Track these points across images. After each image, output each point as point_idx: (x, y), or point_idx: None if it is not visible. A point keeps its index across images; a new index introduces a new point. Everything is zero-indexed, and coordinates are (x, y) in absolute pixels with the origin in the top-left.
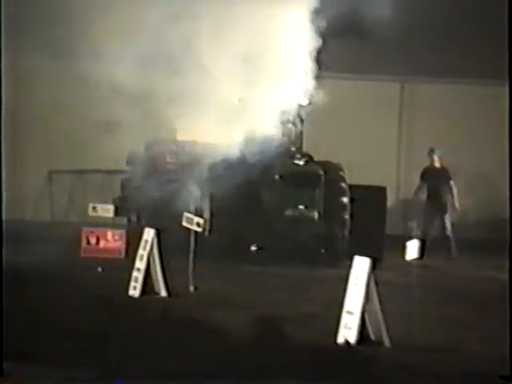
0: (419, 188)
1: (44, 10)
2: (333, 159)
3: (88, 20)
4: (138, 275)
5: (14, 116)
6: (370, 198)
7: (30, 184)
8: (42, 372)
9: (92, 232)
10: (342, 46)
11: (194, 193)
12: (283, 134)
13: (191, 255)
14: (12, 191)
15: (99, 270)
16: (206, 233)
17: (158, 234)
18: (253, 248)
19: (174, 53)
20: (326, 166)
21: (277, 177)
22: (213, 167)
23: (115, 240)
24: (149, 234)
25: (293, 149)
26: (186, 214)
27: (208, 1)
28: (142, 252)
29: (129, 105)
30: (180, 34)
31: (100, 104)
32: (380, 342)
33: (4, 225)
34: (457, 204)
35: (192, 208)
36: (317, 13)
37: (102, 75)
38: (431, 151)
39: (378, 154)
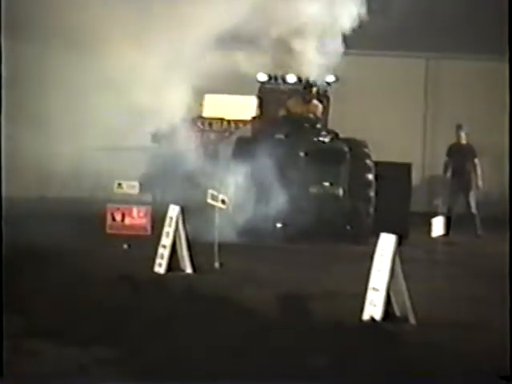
0: (446, 165)
1: None
2: (358, 136)
3: None
4: (163, 252)
5: (41, 95)
6: (395, 174)
7: (55, 161)
8: (67, 351)
9: (117, 209)
10: (368, 23)
11: (219, 170)
12: (309, 111)
13: (216, 232)
14: (38, 168)
15: (125, 246)
16: (231, 210)
17: (183, 211)
18: (278, 225)
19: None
20: (351, 142)
21: (302, 154)
22: (238, 144)
23: (140, 217)
24: (174, 210)
25: (318, 126)
26: (211, 191)
27: None
28: (168, 229)
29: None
30: None
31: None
32: (405, 319)
33: (30, 202)
34: (480, 182)
35: (217, 185)
36: None
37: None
38: (459, 127)
39: (403, 131)
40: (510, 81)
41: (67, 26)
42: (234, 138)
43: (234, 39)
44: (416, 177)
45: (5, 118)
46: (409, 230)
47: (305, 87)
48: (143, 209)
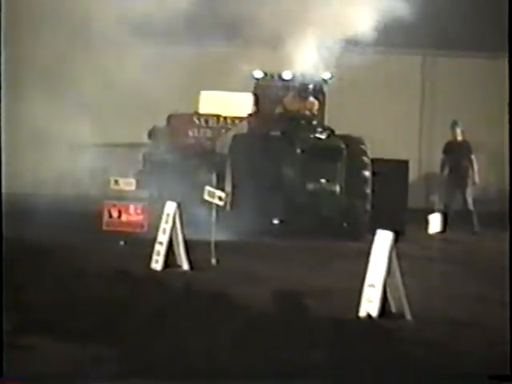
0: (443, 162)
1: None
2: (355, 133)
3: None
4: (160, 248)
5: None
6: (392, 171)
7: (52, 158)
8: (62, 346)
9: (114, 205)
10: (365, 20)
11: (216, 166)
12: (305, 108)
13: (213, 229)
14: (34, 166)
15: (121, 243)
16: (228, 206)
17: (180, 208)
18: (274, 221)
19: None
20: (347, 139)
21: (298, 150)
22: (235, 141)
23: (137, 213)
24: (170, 207)
25: (315, 123)
26: (208, 188)
27: None
28: (165, 225)
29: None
30: None
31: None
32: (401, 316)
33: (26, 198)
34: (477, 179)
35: (213, 182)
36: None
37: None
38: (454, 124)
39: (399, 128)
40: (510, 77)
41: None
42: (230, 134)
43: (230, 35)
44: (413, 173)
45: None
46: (405, 226)
47: (301, 84)
48: (140, 205)
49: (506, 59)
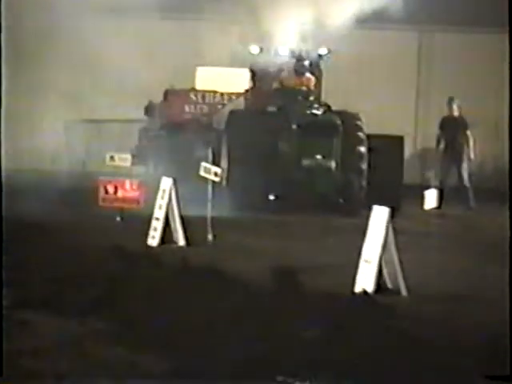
0: (438, 138)
1: None
2: (351, 109)
3: None
4: (156, 225)
5: (31, 66)
6: (388, 147)
7: (47, 134)
8: (59, 321)
9: (109, 181)
10: None
11: (212, 142)
12: (301, 84)
13: (209, 204)
14: (30, 141)
15: (117, 219)
16: (224, 182)
17: (176, 183)
18: (270, 197)
19: None
20: (343, 115)
21: (294, 126)
22: (231, 117)
23: (133, 189)
24: (166, 183)
25: (311, 98)
26: (204, 164)
27: None
28: (161, 201)
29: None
30: None
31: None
32: (397, 292)
33: (22, 175)
34: (472, 155)
35: (209, 158)
36: None
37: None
38: (451, 100)
39: (395, 104)
40: (511, 53)
41: None
42: (226, 110)
43: (227, 11)
44: (408, 149)
45: None
46: (401, 202)
47: (297, 60)
48: (136, 181)
49: (507, 34)
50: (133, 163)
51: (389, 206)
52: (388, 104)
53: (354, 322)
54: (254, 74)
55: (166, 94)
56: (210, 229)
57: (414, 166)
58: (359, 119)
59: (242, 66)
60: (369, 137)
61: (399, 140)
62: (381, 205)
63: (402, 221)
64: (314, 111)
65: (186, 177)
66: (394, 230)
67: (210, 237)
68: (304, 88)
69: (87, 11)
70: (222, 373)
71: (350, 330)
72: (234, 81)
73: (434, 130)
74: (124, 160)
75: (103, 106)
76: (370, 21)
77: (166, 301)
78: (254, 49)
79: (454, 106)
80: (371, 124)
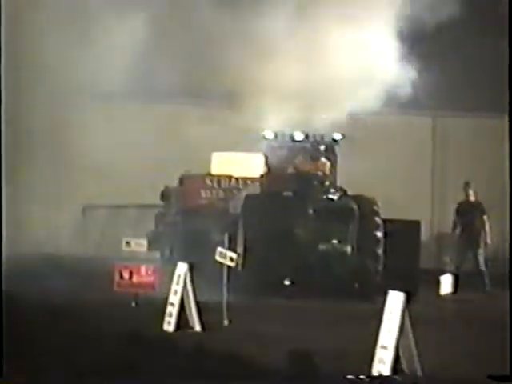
0: (455, 223)
1: None
2: (367, 193)
3: None
4: (171, 310)
5: (50, 151)
6: (404, 232)
7: (64, 219)
8: None
9: (125, 267)
10: (376, 82)
11: (228, 227)
12: (317, 169)
13: (225, 289)
14: (47, 226)
15: (133, 304)
16: (239, 267)
17: (191, 269)
18: (286, 282)
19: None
20: (359, 200)
21: (310, 211)
22: (247, 202)
23: (148, 275)
24: (182, 268)
25: (327, 183)
26: (220, 249)
27: None
28: (176, 287)
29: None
30: None
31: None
32: (414, 376)
33: (39, 259)
34: (489, 240)
35: (225, 242)
36: None
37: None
38: (467, 185)
39: (411, 188)
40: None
41: None
42: (242, 195)
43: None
44: (425, 234)
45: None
46: (418, 287)
47: (312, 145)
48: (151, 267)
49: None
50: (149, 248)
51: (405, 291)
52: (404, 189)
53: None
54: (268, 158)
55: (182, 179)
56: (225, 314)
57: (430, 250)
58: (375, 204)
59: (257, 151)
60: (385, 221)
61: (415, 225)
62: (397, 290)
63: (419, 306)
64: (330, 196)
65: (201, 262)
66: (410, 315)
67: (225, 322)
68: (319, 173)
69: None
70: None
71: None
72: (250, 166)
73: (450, 214)
74: (140, 245)
75: (121, 191)
76: (384, 106)
77: None
78: (269, 134)
79: (470, 191)
80: (387, 209)
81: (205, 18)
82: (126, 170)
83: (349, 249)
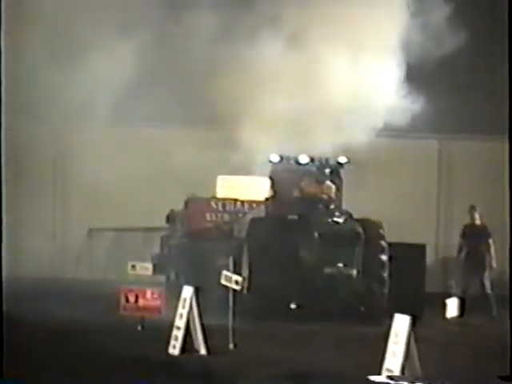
0: (460, 247)
1: None
2: (372, 217)
3: None
4: (177, 333)
5: (53, 174)
6: (409, 255)
7: (70, 242)
8: None
9: (131, 290)
10: (381, 106)
11: (233, 250)
12: (322, 192)
13: (230, 313)
14: (53, 249)
15: (139, 328)
16: (245, 291)
17: (197, 292)
18: (292, 306)
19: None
20: (365, 223)
21: (315, 234)
22: (252, 225)
23: (154, 298)
24: (187, 291)
25: (332, 206)
26: (225, 272)
27: None
28: (182, 310)
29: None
30: None
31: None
32: None
33: (45, 282)
34: (494, 263)
35: (231, 266)
36: None
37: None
38: (472, 208)
39: (417, 212)
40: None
41: None
42: (247, 218)
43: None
44: (430, 257)
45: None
46: (423, 310)
47: (317, 168)
48: (157, 290)
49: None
50: (154, 272)
51: (411, 315)
52: (409, 212)
53: None
54: (274, 182)
55: (187, 202)
56: (231, 337)
57: (436, 274)
58: (381, 227)
59: (262, 174)
60: (390, 245)
61: (421, 248)
62: (402, 313)
63: (425, 329)
64: (335, 219)
65: (207, 285)
66: (416, 338)
67: (231, 346)
68: (324, 196)
69: (113, 120)
70: None
71: None
72: (255, 189)
73: (456, 238)
74: (145, 269)
75: (126, 214)
76: (389, 129)
77: None
78: (274, 157)
79: (476, 215)
80: (393, 232)
81: (203, 48)
82: (132, 193)
83: (354, 272)
